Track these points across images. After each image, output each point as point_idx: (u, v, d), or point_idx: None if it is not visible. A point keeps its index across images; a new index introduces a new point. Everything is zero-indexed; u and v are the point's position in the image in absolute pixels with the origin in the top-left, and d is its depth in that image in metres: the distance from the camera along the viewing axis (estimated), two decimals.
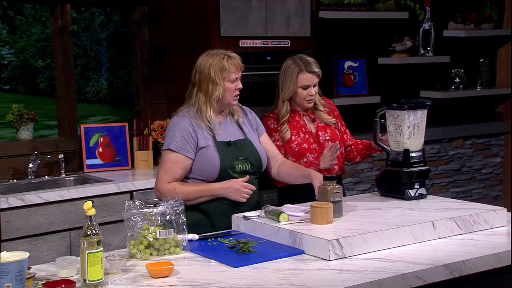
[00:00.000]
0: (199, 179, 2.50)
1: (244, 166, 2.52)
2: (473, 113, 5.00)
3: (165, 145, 2.51)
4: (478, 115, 5.02)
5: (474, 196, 4.87)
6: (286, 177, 2.67)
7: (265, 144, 2.66)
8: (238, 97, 2.56)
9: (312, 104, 2.87)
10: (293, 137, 2.82)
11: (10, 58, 4.10)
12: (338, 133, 2.93)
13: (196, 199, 2.47)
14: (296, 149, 2.81)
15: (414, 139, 2.63)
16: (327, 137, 2.87)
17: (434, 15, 4.53)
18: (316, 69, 2.82)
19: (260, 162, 2.57)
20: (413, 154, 2.63)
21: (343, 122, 3.02)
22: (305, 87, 2.80)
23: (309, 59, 2.84)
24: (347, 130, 3.03)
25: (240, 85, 2.54)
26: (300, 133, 2.84)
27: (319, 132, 2.87)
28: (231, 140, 2.53)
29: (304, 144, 2.82)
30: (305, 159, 2.81)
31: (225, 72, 2.49)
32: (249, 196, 2.49)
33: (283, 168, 2.67)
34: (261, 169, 2.60)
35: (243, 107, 2.69)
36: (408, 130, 2.62)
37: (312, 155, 2.82)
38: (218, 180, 2.48)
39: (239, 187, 2.46)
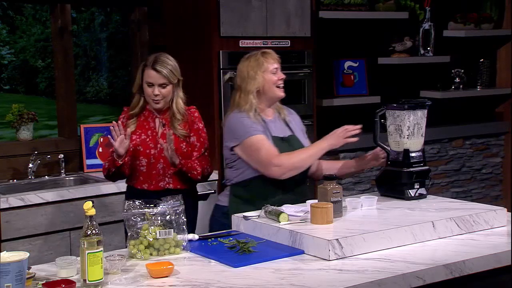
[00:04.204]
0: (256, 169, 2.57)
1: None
2: (473, 113, 5.00)
3: (241, 135, 2.56)
4: (478, 115, 5.02)
5: (474, 196, 4.87)
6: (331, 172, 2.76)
7: (307, 143, 2.74)
8: (283, 88, 2.66)
9: (158, 105, 2.69)
10: (133, 136, 2.70)
11: (10, 58, 4.11)
12: (183, 146, 2.71)
13: (311, 162, 2.60)
14: (131, 149, 2.66)
15: (414, 139, 2.63)
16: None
17: (434, 15, 4.53)
18: (163, 69, 2.65)
19: None
20: (413, 154, 2.63)
21: (205, 140, 2.78)
22: (150, 84, 2.67)
23: (163, 58, 2.69)
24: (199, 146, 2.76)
25: (282, 75, 2.65)
26: (143, 134, 2.72)
27: (161, 139, 2.68)
28: (284, 136, 2.65)
29: (140, 147, 2.69)
30: (137, 162, 2.69)
31: (262, 66, 2.62)
32: (352, 135, 2.55)
33: (321, 166, 2.77)
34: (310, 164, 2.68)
35: (285, 106, 2.78)
36: (408, 130, 2.62)
37: (146, 160, 2.69)
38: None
39: (339, 132, 2.56)
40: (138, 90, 2.74)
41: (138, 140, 2.71)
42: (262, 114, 2.64)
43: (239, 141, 2.57)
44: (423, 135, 2.66)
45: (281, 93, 2.66)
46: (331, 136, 2.59)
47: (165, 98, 2.70)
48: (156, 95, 2.67)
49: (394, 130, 2.65)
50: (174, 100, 2.72)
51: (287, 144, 2.63)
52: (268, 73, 2.62)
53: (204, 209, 2.95)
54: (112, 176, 2.72)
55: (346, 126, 2.57)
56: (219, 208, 2.69)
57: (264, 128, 2.60)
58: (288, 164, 2.52)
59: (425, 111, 2.65)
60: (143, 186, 2.72)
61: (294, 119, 2.77)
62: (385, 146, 2.72)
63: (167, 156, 2.65)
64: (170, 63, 2.70)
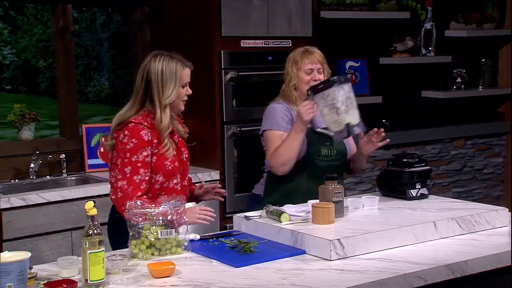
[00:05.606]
0: None
1: (329, 151, 2.68)
2: (474, 113, 4.99)
3: (266, 126, 2.69)
4: (479, 115, 5.01)
5: (475, 196, 4.86)
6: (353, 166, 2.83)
7: (350, 140, 2.76)
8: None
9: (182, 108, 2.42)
10: (169, 159, 2.34)
11: (12, 58, 4.11)
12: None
13: (295, 146, 2.57)
14: (170, 167, 2.34)
15: (352, 111, 2.56)
16: (187, 155, 2.45)
17: (435, 15, 4.52)
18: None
19: (344, 151, 2.73)
20: (355, 128, 2.56)
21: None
22: (185, 85, 2.37)
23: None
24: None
25: (316, 76, 2.67)
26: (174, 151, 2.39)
27: (181, 148, 2.42)
28: (320, 127, 2.68)
29: (176, 162, 2.37)
30: (174, 180, 2.36)
31: (297, 64, 2.69)
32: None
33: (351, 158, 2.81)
34: (345, 158, 2.74)
35: None
36: (343, 105, 2.53)
37: (179, 176, 2.38)
38: (304, 160, 2.63)
39: (301, 112, 2.50)
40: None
41: (176, 163, 2.37)
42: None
43: (262, 130, 2.73)
44: (357, 106, 2.59)
45: None
46: (297, 117, 2.57)
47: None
48: (187, 95, 2.41)
49: (328, 111, 2.55)
50: None
51: (321, 134, 2.68)
52: (303, 72, 2.68)
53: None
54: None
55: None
56: (254, 196, 2.81)
57: (289, 119, 2.67)
58: (277, 163, 2.60)
59: (350, 84, 2.57)
60: None
61: None
62: (327, 132, 2.65)
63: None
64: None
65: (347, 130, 2.55)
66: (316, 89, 2.54)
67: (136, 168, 2.26)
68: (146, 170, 2.28)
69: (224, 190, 2.54)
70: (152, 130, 2.30)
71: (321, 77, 2.70)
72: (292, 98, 2.72)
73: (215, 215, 2.37)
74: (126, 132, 2.28)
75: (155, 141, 2.30)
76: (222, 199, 2.59)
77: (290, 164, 2.59)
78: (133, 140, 2.26)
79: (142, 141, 2.26)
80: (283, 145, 2.59)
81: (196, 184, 2.59)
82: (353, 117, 2.56)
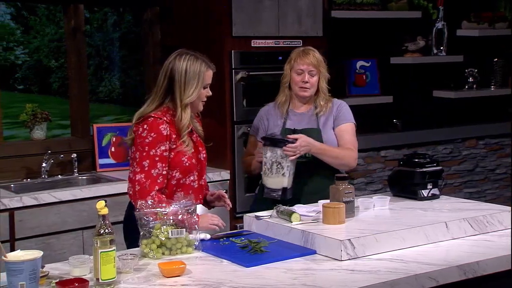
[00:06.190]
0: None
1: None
2: (486, 113, 4.95)
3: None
4: (492, 115, 4.97)
5: (488, 197, 4.83)
6: None
7: (341, 133, 2.72)
8: (306, 90, 2.70)
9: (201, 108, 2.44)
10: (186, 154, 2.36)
11: (24, 58, 4.13)
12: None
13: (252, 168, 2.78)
14: (187, 164, 2.35)
15: (275, 176, 2.58)
16: (204, 155, 2.47)
17: (447, 14, 4.50)
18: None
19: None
20: (269, 191, 2.61)
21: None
22: (206, 86, 2.39)
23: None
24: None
25: (305, 78, 2.68)
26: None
27: (199, 147, 2.44)
28: (297, 128, 2.69)
29: (194, 160, 2.39)
30: (191, 177, 2.38)
31: (291, 62, 2.72)
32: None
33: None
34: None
35: (336, 100, 2.80)
36: (268, 166, 2.62)
37: (197, 173, 2.41)
38: None
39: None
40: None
41: (193, 160, 2.39)
42: (292, 106, 2.77)
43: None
44: (286, 175, 2.57)
45: (302, 93, 2.72)
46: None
47: None
48: (207, 96, 2.42)
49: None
50: None
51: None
52: (294, 72, 2.70)
53: (215, 209, 2.95)
54: None
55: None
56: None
57: (265, 125, 2.77)
58: (243, 169, 2.87)
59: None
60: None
61: (333, 111, 2.74)
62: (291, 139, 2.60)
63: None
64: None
65: (264, 188, 2.63)
66: (266, 141, 2.63)
67: (154, 162, 2.27)
68: (163, 165, 2.29)
69: (229, 203, 2.49)
70: (171, 126, 2.31)
71: (313, 80, 2.70)
72: (284, 97, 2.76)
73: (225, 224, 2.45)
74: (145, 126, 2.30)
75: (174, 136, 2.32)
76: (228, 209, 2.54)
77: (252, 174, 2.79)
78: (152, 134, 2.28)
79: (161, 135, 2.28)
80: (246, 159, 2.83)
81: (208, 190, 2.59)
82: (273, 182, 2.59)
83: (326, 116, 2.74)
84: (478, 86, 4.76)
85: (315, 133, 2.70)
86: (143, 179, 2.28)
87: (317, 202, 2.46)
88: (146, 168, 2.28)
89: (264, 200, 2.65)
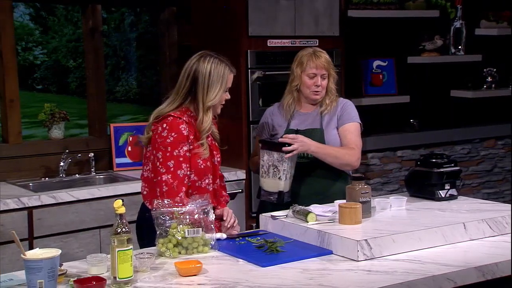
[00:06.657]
0: None
1: (303, 153, 2.60)
2: (505, 112, 4.89)
3: None
4: (510, 115, 4.91)
5: (506, 198, 4.77)
6: None
7: (344, 133, 2.67)
8: (319, 93, 2.67)
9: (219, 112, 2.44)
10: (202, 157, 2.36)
11: (43, 58, 4.18)
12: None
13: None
14: (202, 166, 2.35)
15: (271, 179, 2.58)
16: (219, 159, 2.46)
17: (465, 13, 4.45)
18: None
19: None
20: (265, 194, 2.63)
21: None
22: (227, 89, 2.41)
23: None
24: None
25: (318, 82, 2.65)
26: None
27: (213, 151, 2.42)
28: (300, 129, 2.68)
29: (209, 163, 2.38)
30: (206, 180, 2.38)
31: (302, 65, 2.67)
32: None
33: None
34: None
35: (341, 99, 2.77)
36: (265, 169, 2.62)
37: (211, 176, 2.40)
38: None
39: None
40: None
41: (208, 163, 2.38)
42: (298, 108, 2.74)
43: None
44: (283, 179, 2.55)
45: (314, 97, 2.70)
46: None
47: None
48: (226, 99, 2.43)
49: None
50: None
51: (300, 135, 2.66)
52: (306, 75, 2.67)
53: (231, 208, 2.95)
54: None
55: None
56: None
57: (269, 126, 2.75)
58: (251, 168, 2.92)
59: (283, 154, 2.52)
60: None
61: (337, 111, 2.72)
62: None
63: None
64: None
65: (261, 191, 2.63)
66: (263, 144, 2.62)
67: (179, 162, 2.26)
68: (187, 165, 2.29)
69: (236, 230, 2.40)
70: (189, 126, 2.30)
71: (324, 83, 2.68)
72: (291, 98, 2.72)
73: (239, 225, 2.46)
74: (164, 126, 2.28)
75: (191, 137, 2.31)
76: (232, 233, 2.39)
77: (258, 173, 2.69)
78: (173, 134, 2.27)
79: (182, 135, 2.27)
80: (253, 159, 2.82)
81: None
82: (269, 185, 2.59)
83: (331, 115, 2.72)
84: (497, 86, 4.71)
85: (317, 133, 2.68)
86: (170, 179, 2.25)
87: (318, 203, 2.46)
88: (172, 169, 2.25)
89: (263, 201, 2.67)
